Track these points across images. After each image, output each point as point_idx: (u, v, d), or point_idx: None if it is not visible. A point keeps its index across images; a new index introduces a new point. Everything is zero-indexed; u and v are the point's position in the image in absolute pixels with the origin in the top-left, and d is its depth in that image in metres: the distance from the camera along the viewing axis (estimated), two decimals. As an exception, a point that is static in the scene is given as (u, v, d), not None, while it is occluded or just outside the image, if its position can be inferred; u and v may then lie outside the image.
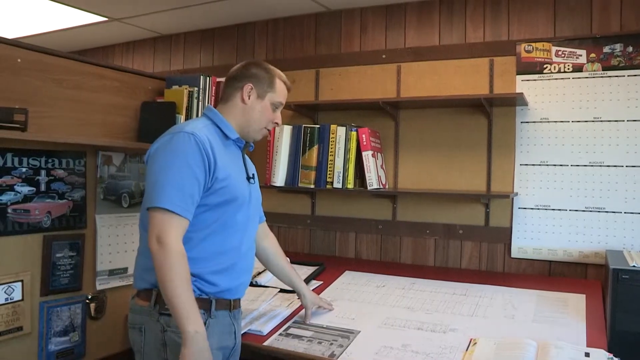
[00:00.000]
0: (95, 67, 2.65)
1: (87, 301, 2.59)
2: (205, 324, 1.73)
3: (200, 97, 2.81)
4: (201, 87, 2.82)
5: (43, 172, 2.39)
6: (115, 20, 3.66)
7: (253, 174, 2.01)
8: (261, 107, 1.93)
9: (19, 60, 2.29)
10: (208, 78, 2.84)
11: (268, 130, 2.00)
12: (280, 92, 1.97)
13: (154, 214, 1.68)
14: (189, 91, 2.81)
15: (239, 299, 1.96)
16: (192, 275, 1.71)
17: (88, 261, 2.59)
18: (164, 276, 1.63)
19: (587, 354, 1.85)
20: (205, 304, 1.79)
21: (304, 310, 2.34)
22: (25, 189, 2.32)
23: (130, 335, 1.86)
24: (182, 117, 2.78)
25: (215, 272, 1.81)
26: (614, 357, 1.82)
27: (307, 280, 2.72)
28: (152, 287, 1.78)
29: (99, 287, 2.64)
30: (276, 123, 2.00)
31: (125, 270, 2.73)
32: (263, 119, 1.95)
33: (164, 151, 1.74)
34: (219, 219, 1.82)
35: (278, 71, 1.99)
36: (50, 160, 2.41)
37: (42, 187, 2.39)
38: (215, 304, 1.82)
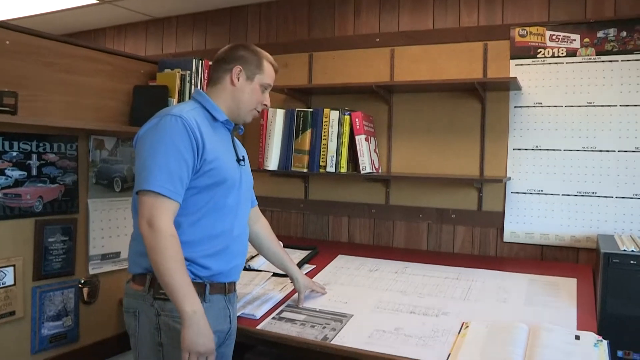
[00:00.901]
0: (87, 50, 2.63)
1: (80, 286, 2.59)
2: None
3: (193, 81, 2.80)
4: (194, 70, 2.80)
5: (34, 156, 2.38)
6: (107, 3, 3.62)
7: (243, 156, 2.00)
8: (250, 89, 1.93)
9: (7, 42, 2.27)
10: (200, 61, 2.83)
11: (258, 112, 1.99)
12: (268, 73, 1.97)
13: (144, 198, 1.68)
14: (182, 75, 2.80)
15: (234, 283, 1.96)
16: (185, 259, 1.71)
17: (80, 246, 2.59)
18: (157, 259, 1.63)
19: (577, 337, 1.86)
20: (199, 288, 1.77)
21: (297, 294, 2.34)
22: (17, 173, 2.31)
23: (125, 319, 1.86)
24: (175, 101, 2.76)
25: (207, 256, 1.81)
26: (603, 340, 1.84)
27: (300, 264, 2.72)
28: (146, 272, 1.77)
29: (91, 272, 2.64)
30: (265, 105, 1.99)
31: (117, 254, 2.73)
32: (252, 101, 1.95)
33: (151, 135, 1.74)
34: (209, 202, 1.81)
35: (265, 53, 1.98)
36: (41, 144, 2.40)
37: (34, 172, 2.38)
38: (210, 288, 1.82)
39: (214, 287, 1.84)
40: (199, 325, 1.64)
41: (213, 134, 1.84)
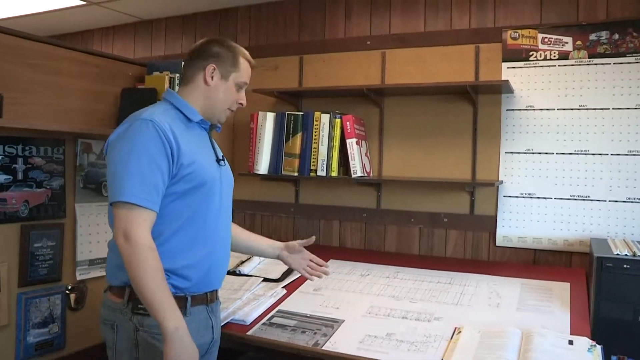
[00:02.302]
0: (74, 52, 2.61)
1: (67, 292, 2.56)
2: None
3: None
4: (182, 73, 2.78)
5: (20, 160, 2.35)
6: (94, 4, 3.59)
7: (223, 156, 1.94)
8: (225, 88, 1.85)
9: (-8, 43, 2.25)
10: (190, 64, 2.81)
11: (232, 111, 1.92)
12: (244, 71, 1.89)
13: (118, 210, 1.61)
14: (170, 77, 2.78)
15: (216, 291, 1.90)
16: (165, 271, 1.64)
17: (67, 251, 2.57)
18: (135, 273, 1.56)
19: (570, 342, 1.87)
20: (180, 301, 1.69)
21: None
22: (2, 178, 2.29)
23: (102, 330, 1.80)
24: (164, 104, 2.74)
25: (189, 266, 1.74)
26: (597, 345, 1.84)
27: (291, 270, 2.69)
28: (125, 285, 1.70)
29: (79, 278, 2.61)
30: (240, 104, 1.92)
31: (105, 260, 2.70)
32: (227, 100, 1.87)
33: (121, 141, 1.66)
34: (190, 208, 1.74)
35: (242, 49, 1.90)
36: (27, 148, 2.38)
37: (20, 176, 2.35)
38: (191, 300, 1.75)
39: (196, 299, 1.77)
40: (182, 342, 1.57)
41: (188, 135, 1.77)
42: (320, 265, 2.26)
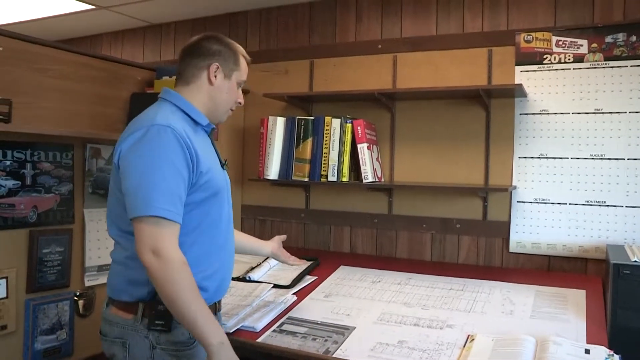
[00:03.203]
0: (83, 57, 2.62)
1: (76, 298, 2.57)
2: (191, 337, 1.64)
3: (191, 88, 2.78)
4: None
5: (29, 165, 2.36)
6: (103, 9, 3.61)
7: (225, 160, 1.91)
8: (228, 87, 1.81)
9: (0, 48, 2.25)
10: (199, 68, 2.81)
11: (232, 110, 1.89)
12: (244, 69, 1.86)
13: (144, 225, 1.53)
14: (180, 82, 2.78)
15: (220, 300, 1.88)
16: None
17: (76, 257, 2.57)
18: (171, 291, 1.50)
19: (587, 351, 1.84)
20: None
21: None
22: (10, 183, 2.29)
23: (108, 348, 1.71)
24: (173, 109, 2.74)
25: (207, 277, 1.71)
26: (615, 354, 1.81)
27: (302, 276, 2.71)
28: (138, 300, 1.64)
29: (87, 284, 2.61)
30: (239, 102, 1.88)
31: (114, 266, 2.71)
32: (230, 100, 1.84)
33: (140, 149, 1.58)
34: (207, 217, 1.71)
35: (239, 46, 1.86)
36: (36, 153, 2.38)
37: (28, 181, 2.36)
38: None
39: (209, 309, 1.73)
40: (228, 356, 1.56)
41: (199, 140, 1.71)
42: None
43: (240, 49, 1.86)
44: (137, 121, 1.68)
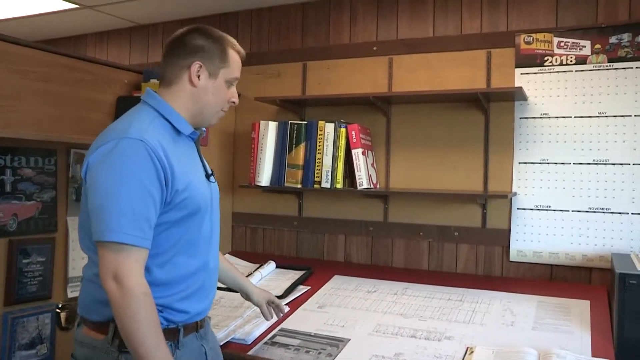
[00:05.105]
0: (66, 58, 2.60)
1: (58, 310, 2.53)
2: (173, 356, 1.57)
3: (180, 91, 2.76)
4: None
5: (8, 172, 2.33)
6: (88, 8, 3.59)
7: (212, 171, 1.80)
8: (214, 87, 1.67)
9: (-22, 49, 2.23)
10: (188, 71, 2.79)
11: (224, 112, 1.76)
12: (235, 65, 1.71)
13: (105, 250, 1.45)
14: (168, 85, 2.76)
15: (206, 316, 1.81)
16: (159, 306, 1.54)
17: (59, 267, 2.54)
18: (126, 323, 1.44)
19: (592, 364, 1.83)
20: (172, 334, 1.60)
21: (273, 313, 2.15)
22: (-11, 190, 2.26)
23: None
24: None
25: (184, 298, 1.63)
26: (621, 368, 1.80)
27: (294, 285, 2.70)
28: (109, 320, 1.55)
29: (70, 295, 2.58)
30: (233, 102, 1.75)
31: (98, 276, 2.67)
32: (218, 101, 1.70)
33: (106, 166, 1.49)
34: (183, 237, 1.62)
35: (229, 38, 1.72)
36: (16, 159, 2.35)
37: (8, 188, 2.33)
38: (183, 331, 1.64)
39: (187, 329, 1.66)
40: None
41: (178, 150, 1.60)
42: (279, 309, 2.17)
43: (231, 41, 1.72)
44: (109, 130, 1.60)
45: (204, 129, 1.82)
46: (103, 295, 1.49)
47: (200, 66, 1.65)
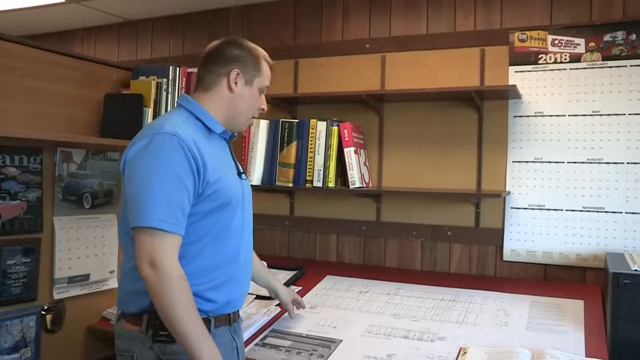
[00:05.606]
0: (53, 55, 2.57)
1: (43, 312, 2.50)
2: None
3: (170, 89, 2.76)
4: (171, 78, 2.76)
5: (-8, 170, 2.31)
6: (75, 3, 3.57)
7: (244, 169, 1.92)
8: (249, 94, 1.83)
9: (-41, 43, 2.21)
10: (178, 68, 2.79)
11: (254, 118, 1.92)
12: (266, 75, 1.88)
13: (142, 235, 1.57)
14: (158, 82, 2.75)
15: (238, 310, 1.88)
16: None
17: (44, 268, 2.51)
18: (165, 305, 1.54)
19: (586, 365, 1.84)
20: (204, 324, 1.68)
21: (285, 313, 2.36)
22: (-28, 189, 2.24)
23: None
24: (150, 111, 2.72)
25: (213, 288, 1.72)
26: (615, 368, 1.80)
27: (286, 286, 2.68)
28: (143, 312, 1.68)
29: (56, 297, 2.55)
30: (262, 109, 1.91)
31: (87, 277, 2.66)
32: (251, 107, 1.86)
33: (142, 158, 1.62)
34: (214, 228, 1.72)
35: (261, 50, 1.88)
36: (0, 157, 2.33)
37: (-9, 187, 2.31)
38: (215, 322, 1.73)
39: (219, 320, 1.75)
40: None
41: (211, 148, 1.74)
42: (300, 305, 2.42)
43: (263, 53, 1.88)
44: (146, 128, 1.73)
45: (235, 133, 1.91)
46: (137, 286, 1.63)
47: (238, 73, 1.79)
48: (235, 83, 1.79)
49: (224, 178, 1.73)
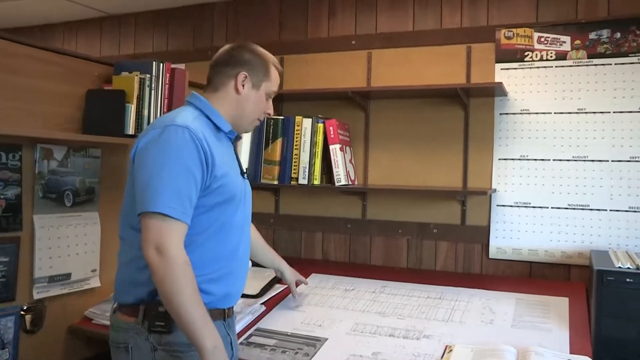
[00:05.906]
0: (32, 49, 2.53)
1: (22, 312, 2.47)
2: None
3: (153, 85, 2.73)
4: (154, 74, 2.73)
5: (-31, 167, 2.28)
6: (56, -4, 3.54)
7: (247, 169, 1.94)
8: (256, 97, 1.89)
9: None
10: (162, 64, 2.76)
11: (260, 121, 1.97)
12: (275, 80, 1.94)
13: (150, 221, 1.61)
14: (140, 78, 2.72)
15: (232, 306, 1.91)
16: None
17: (24, 267, 2.48)
18: (169, 290, 1.57)
19: (570, 362, 1.85)
20: None
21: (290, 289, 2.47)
22: (-51, 186, 2.21)
23: (114, 355, 1.79)
24: (133, 107, 2.69)
25: (211, 280, 1.76)
26: (600, 365, 1.82)
27: (270, 285, 2.69)
28: (139, 302, 1.72)
29: (36, 297, 2.52)
30: (268, 113, 1.96)
31: (68, 276, 2.63)
32: (257, 110, 1.91)
33: (154, 148, 1.67)
34: (217, 221, 1.77)
35: (271, 56, 1.94)
36: (-22, 154, 2.30)
37: (-31, 184, 2.28)
38: (210, 316, 1.74)
39: (213, 314, 1.76)
40: None
41: (219, 146, 1.80)
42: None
43: (273, 59, 1.94)
44: (157, 121, 1.79)
45: (240, 135, 2.00)
46: (136, 276, 1.70)
47: (246, 76, 1.86)
48: (243, 85, 1.85)
49: (229, 174, 1.78)
